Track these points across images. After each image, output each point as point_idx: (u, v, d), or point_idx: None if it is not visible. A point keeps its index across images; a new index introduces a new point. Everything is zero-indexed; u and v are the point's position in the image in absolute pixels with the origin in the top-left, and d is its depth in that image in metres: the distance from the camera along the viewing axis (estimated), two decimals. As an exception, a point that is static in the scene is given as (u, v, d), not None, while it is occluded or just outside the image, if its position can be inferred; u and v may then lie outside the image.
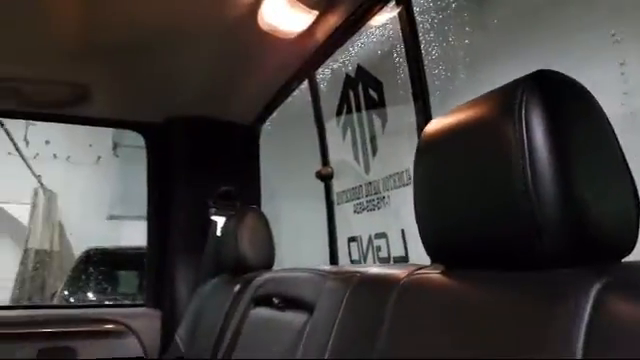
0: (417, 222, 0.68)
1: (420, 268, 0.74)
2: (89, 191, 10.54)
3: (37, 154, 10.27)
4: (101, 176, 11.10)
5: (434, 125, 0.66)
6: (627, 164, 0.53)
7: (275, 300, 1.12)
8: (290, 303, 1.05)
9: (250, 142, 2.07)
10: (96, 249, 5.45)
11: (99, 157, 11.38)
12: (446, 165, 0.63)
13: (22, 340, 1.79)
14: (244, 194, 1.95)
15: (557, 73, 0.55)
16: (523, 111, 0.52)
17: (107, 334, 1.89)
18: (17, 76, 1.70)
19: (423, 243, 0.68)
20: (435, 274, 0.68)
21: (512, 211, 0.52)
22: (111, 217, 10.80)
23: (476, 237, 0.59)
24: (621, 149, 0.54)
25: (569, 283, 0.47)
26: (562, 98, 0.53)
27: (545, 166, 0.50)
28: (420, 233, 0.68)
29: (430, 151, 0.66)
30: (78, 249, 7.59)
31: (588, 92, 0.55)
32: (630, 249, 0.52)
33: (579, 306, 0.44)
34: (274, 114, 1.91)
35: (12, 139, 8.43)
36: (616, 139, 0.53)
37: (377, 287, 0.78)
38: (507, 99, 0.55)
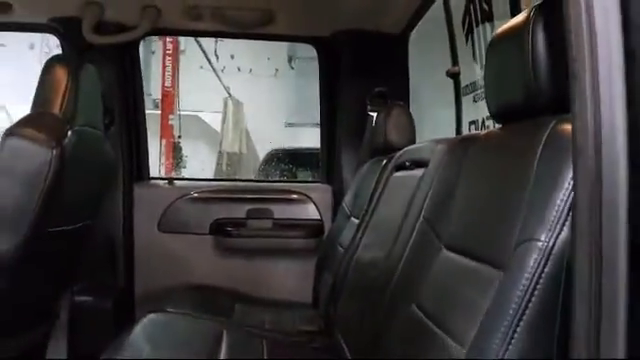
0: (485, 96, 1.06)
1: (493, 130, 1.13)
2: (269, 101, 11.64)
3: (224, 67, 11.51)
4: (279, 87, 12.16)
5: (498, 31, 1.03)
6: None
7: (407, 163, 1.58)
8: (415, 163, 1.49)
9: (400, 48, 2.47)
10: (279, 149, 6.42)
11: (277, 70, 12.42)
12: (498, 57, 1.00)
13: (236, 202, 2.50)
14: (395, 92, 2.36)
15: None
16: (532, 21, 0.87)
17: (294, 201, 2.53)
18: (215, 3, 2.26)
19: (489, 110, 1.06)
20: (495, 131, 1.07)
21: (526, 84, 0.89)
22: (288, 124, 11.92)
23: (513, 101, 0.96)
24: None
25: (545, 121, 0.84)
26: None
27: (542, 56, 0.86)
28: (487, 103, 1.06)
29: (493, 46, 1.03)
30: (261, 152, 8.68)
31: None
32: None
33: (541, 131, 0.81)
34: (419, 24, 2.27)
35: (206, 55, 9.61)
36: None
37: (464, 144, 1.18)
38: (528, 14, 0.90)
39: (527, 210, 0.76)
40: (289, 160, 6.02)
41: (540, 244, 0.69)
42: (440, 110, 2.37)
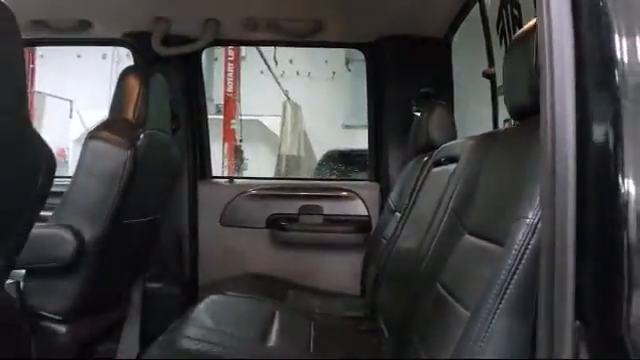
0: (504, 96, 1.18)
1: (510, 127, 1.24)
2: (327, 103, 11.85)
3: (283, 72, 11.80)
4: (336, 90, 12.34)
5: (513, 37, 1.15)
6: None
7: (442, 159, 1.70)
8: (449, 159, 1.62)
9: (443, 51, 2.58)
10: (334, 151, 6.64)
11: (334, 72, 12.61)
12: (512, 60, 1.12)
13: (290, 199, 2.69)
14: (439, 93, 2.48)
15: None
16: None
17: (342, 198, 2.69)
18: (270, 15, 2.46)
19: (507, 108, 1.18)
20: (512, 127, 1.19)
21: (531, 85, 1.01)
22: (345, 126, 12.08)
23: (523, 101, 1.08)
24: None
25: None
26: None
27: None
28: (505, 103, 1.18)
29: (509, 52, 1.15)
30: (318, 154, 8.90)
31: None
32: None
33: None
34: (460, 27, 2.39)
35: (265, 60, 9.92)
36: None
37: (487, 140, 1.30)
38: (535, 22, 1.02)
39: (523, 193, 0.89)
40: (343, 161, 6.21)
41: (528, 221, 0.82)
42: (484, 109, 2.47)
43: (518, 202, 0.88)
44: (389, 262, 1.86)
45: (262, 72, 11.02)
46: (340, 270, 2.60)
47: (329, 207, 2.66)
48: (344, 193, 2.70)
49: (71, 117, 11.27)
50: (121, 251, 2.01)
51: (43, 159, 1.26)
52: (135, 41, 2.61)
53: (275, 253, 2.65)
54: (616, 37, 0.61)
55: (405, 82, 2.58)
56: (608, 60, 0.61)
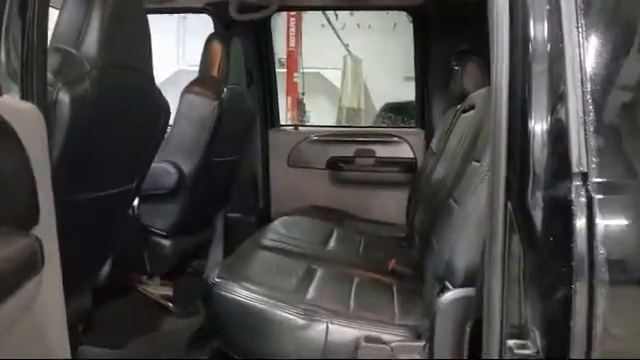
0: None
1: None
2: (387, 55, 11.95)
3: (344, 25, 11.96)
4: (397, 41, 12.33)
5: None
6: None
7: (467, 107, 2.08)
8: (471, 107, 2.00)
9: (483, 11, 2.87)
10: (390, 103, 7.05)
11: (395, 24, 12.64)
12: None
13: (346, 143, 3.14)
14: (479, 49, 2.78)
15: None
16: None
17: (392, 143, 3.11)
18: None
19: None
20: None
21: None
22: (406, 78, 12.18)
23: None
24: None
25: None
26: None
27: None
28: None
29: None
30: (378, 105, 9.22)
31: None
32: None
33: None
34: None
35: (325, 14, 10.17)
36: None
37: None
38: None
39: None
40: (399, 112, 6.59)
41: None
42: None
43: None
44: (424, 192, 2.28)
45: (323, 25, 11.23)
46: (389, 204, 3.03)
47: (380, 150, 3.10)
48: (394, 139, 3.12)
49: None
50: (210, 184, 2.50)
51: (162, 107, 1.73)
52: (215, 9, 3.06)
53: (334, 190, 3.12)
54: (530, 21, 0.99)
55: (448, 40, 2.91)
56: (526, 37, 1.00)
